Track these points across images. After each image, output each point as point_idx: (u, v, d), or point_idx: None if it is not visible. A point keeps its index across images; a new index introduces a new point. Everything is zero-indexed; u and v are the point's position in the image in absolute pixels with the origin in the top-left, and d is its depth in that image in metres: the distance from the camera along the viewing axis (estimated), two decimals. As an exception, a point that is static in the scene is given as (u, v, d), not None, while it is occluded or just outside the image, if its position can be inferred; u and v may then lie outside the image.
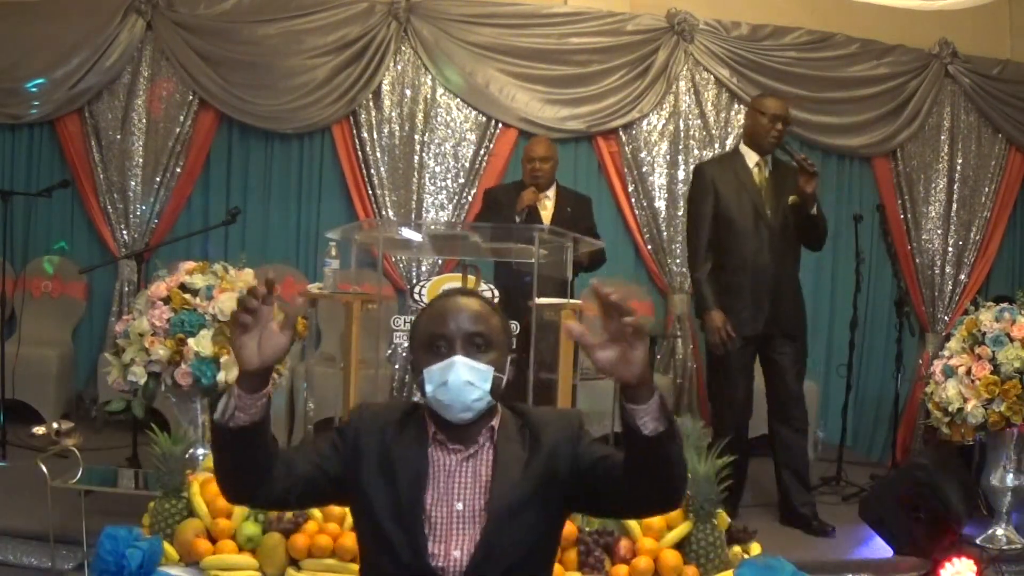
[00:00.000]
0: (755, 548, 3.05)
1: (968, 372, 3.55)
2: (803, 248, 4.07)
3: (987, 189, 5.69)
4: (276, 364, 1.54)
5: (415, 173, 5.33)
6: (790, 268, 3.99)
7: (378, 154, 5.31)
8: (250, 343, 1.49)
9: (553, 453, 1.64)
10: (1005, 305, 3.62)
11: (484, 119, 5.37)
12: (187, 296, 3.31)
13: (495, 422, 1.68)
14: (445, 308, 1.65)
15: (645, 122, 5.44)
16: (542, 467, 1.63)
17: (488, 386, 1.61)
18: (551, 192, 4.37)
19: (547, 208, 4.32)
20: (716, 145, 5.46)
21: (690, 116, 5.46)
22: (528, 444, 1.66)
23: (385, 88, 5.32)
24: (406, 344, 4.93)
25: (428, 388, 1.61)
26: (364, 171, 5.31)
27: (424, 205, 5.33)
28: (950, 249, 5.66)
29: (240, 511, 2.78)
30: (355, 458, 1.65)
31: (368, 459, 1.64)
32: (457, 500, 1.62)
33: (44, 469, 2.88)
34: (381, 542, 1.62)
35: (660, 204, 5.44)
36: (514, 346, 1.74)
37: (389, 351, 5.22)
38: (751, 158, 3.99)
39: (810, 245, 4.08)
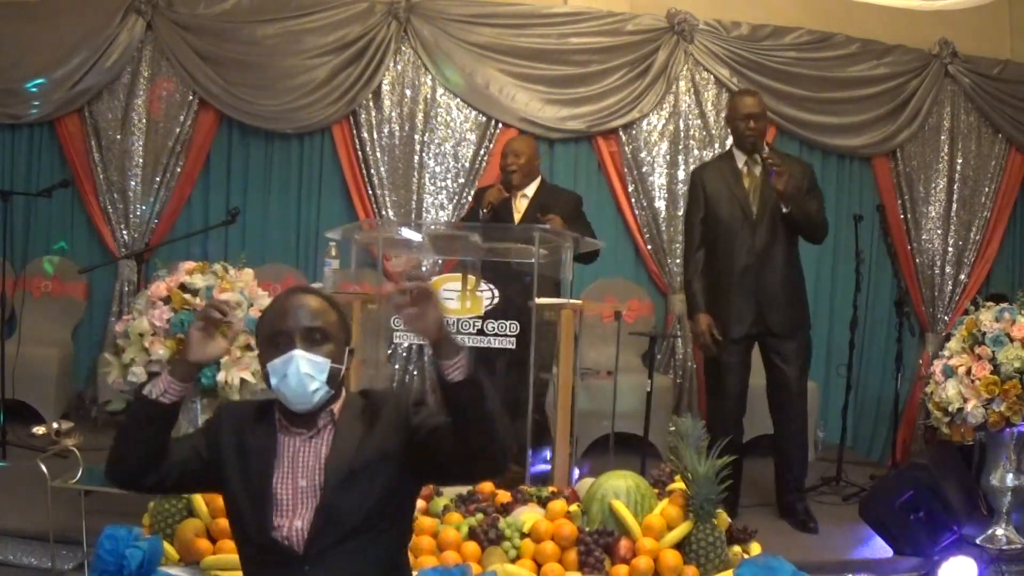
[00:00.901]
0: (755, 548, 3.05)
1: (968, 372, 3.55)
2: (803, 246, 4.08)
3: (987, 189, 5.69)
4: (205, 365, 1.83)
5: (415, 173, 5.33)
6: (781, 267, 3.97)
7: (378, 154, 5.31)
8: (204, 339, 1.78)
9: (388, 426, 1.80)
10: (1005, 305, 3.61)
11: (484, 119, 5.37)
12: (187, 296, 3.30)
13: (336, 406, 1.84)
14: (285, 305, 1.81)
15: (645, 122, 5.44)
16: (378, 438, 1.79)
17: (325, 377, 1.77)
18: (531, 189, 4.30)
19: (519, 209, 4.27)
20: (716, 145, 5.46)
21: (690, 116, 5.46)
22: (367, 422, 1.82)
23: (385, 88, 5.32)
24: (406, 344, 4.97)
25: (272, 381, 1.77)
26: (364, 171, 5.31)
27: (424, 205, 5.33)
28: (950, 249, 5.66)
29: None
30: (216, 451, 1.83)
31: (227, 451, 1.82)
32: (301, 478, 1.78)
33: (44, 469, 2.88)
34: (237, 523, 1.81)
35: (660, 204, 5.44)
36: (351, 339, 1.88)
37: (389, 351, 5.23)
38: (740, 159, 4.04)
39: (807, 239, 4.10)
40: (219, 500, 2.77)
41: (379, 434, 1.79)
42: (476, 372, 1.66)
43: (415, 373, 5.33)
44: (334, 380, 1.79)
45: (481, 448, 1.69)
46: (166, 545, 2.73)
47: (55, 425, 4.43)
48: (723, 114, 5.44)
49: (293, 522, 1.74)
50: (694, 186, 4.12)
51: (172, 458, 1.80)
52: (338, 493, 1.74)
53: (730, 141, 5.37)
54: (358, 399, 1.88)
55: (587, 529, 2.86)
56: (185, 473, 1.82)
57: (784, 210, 3.90)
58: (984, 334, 3.54)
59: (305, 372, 1.74)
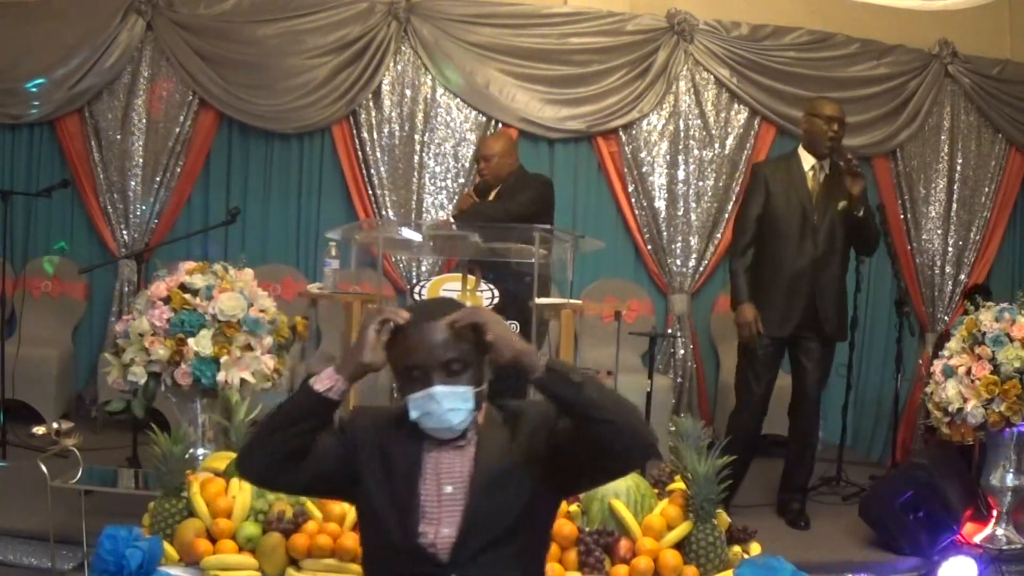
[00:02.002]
0: (755, 548, 3.05)
1: (968, 372, 3.55)
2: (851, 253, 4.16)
3: (987, 189, 5.69)
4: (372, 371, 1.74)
5: (415, 173, 5.33)
6: (834, 273, 4.03)
7: (378, 154, 5.31)
8: (378, 343, 1.71)
9: (532, 435, 1.77)
10: (1005, 305, 3.61)
11: (484, 119, 5.37)
12: (187, 296, 3.30)
13: (479, 414, 1.79)
14: (416, 339, 1.71)
15: (645, 122, 5.44)
16: (523, 448, 1.76)
17: (471, 405, 1.72)
18: (505, 185, 4.33)
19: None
20: (716, 145, 5.46)
21: (690, 116, 5.46)
22: (511, 428, 1.79)
23: (385, 88, 5.32)
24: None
25: (413, 414, 1.71)
26: (364, 171, 5.31)
27: (424, 205, 5.33)
28: (950, 249, 5.66)
29: (240, 511, 2.78)
30: (354, 455, 1.77)
31: (366, 457, 1.77)
32: (447, 484, 1.74)
33: (44, 469, 2.88)
34: (379, 531, 1.75)
35: (660, 204, 5.44)
36: (486, 350, 1.76)
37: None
38: (807, 161, 4.04)
39: (861, 250, 4.18)
40: (220, 501, 2.78)
41: (524, 440, 1.76)
42: (559, 362, 1.66)
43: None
44: (477, 402, 1.75)
45: (619, 435, 1.66)
46: (166, 545, 2.73)
47: (55, 425, 4.40)
48: (723, 114, 5.48)
49: (440, 529, 1.71)
50: (756, 180, 4.07)
51: (307, 459, 1.74)
52: (485, 498, 1.71)
53: (730, 141, 5.46)
54: (496, 409, 1.83)
55: (587, 529, 2.86)
56: (319, 477, 1.76)
57: (859, 214, 3.93)
58: (984, 334, 3.54)
59: (448, 408, 1.69)
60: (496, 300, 3.68)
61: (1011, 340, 3.49)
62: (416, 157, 5.32)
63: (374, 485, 1.75)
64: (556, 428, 1.75)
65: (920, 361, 5.50)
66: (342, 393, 1.71)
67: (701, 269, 5.45)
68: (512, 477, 1.73)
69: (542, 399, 1.74)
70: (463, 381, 1.71)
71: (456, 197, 5.32)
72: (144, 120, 5.21)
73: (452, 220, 4.27)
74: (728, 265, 4.15)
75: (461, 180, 5.34)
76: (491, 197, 4.32)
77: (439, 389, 1.69)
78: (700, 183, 5.45)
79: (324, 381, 1.70)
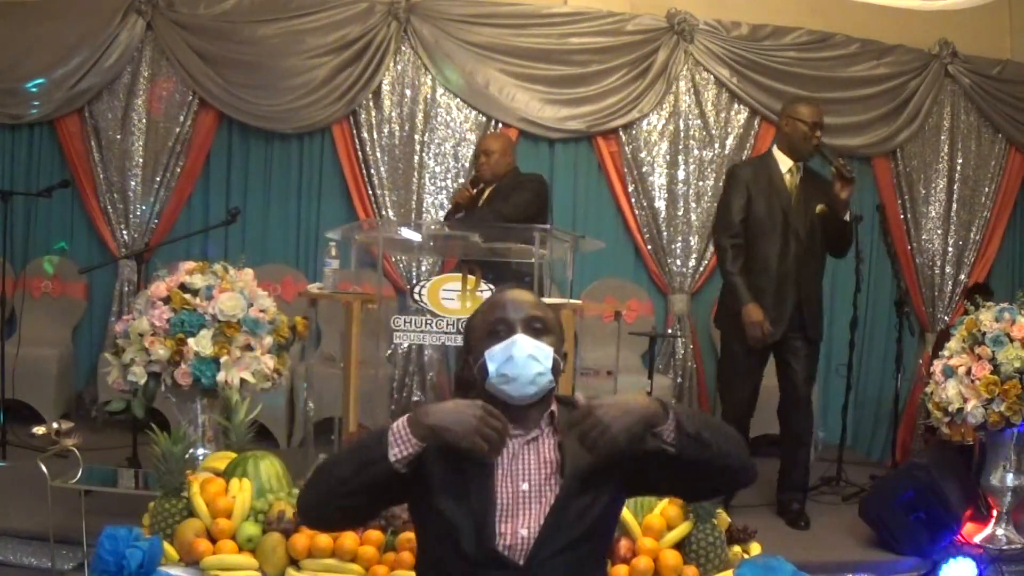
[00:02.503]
0: (755, 548, 3.05)
1: (968, 372, 3.55)
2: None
3: (987, 189, 5.69)
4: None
5: (415, 173, 5.33)
6: (814, 274, 4.05)
7: (378, 154, 5.31)
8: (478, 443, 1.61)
9: None
10: (1005, 305, 3.61)
11: (484, 119, 5.37)
12: (187, 296, 3.30)
13: (554, 407, 1.77)
14: (503, 297, 1.78)
15: (645, 122, 5.44)
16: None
17: (550, 364, 1.71)
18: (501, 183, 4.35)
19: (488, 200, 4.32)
20: (716, 145, 5.46)
21: (690, 116, 5.46)
22: None
23: (385, 88, 5.32)
24: (407, 345, 4.97)
25: (491, 368, 1.69)
26: (364, 171, 5.31)
27: (424, 205, 5.33)
28: (950, 249, 5.67)
29: (240, 511, 2.78)
30: (419, 466, 1.68)
31: (432, 463, 1.68)
32: (523, 481, 1.69)
33: (44, 469, 2.87)
34: (445, 535, 1.67)
35: (660, 204, 5.44)
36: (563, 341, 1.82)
37: (389, 351, 5.23)
38: (784, 163, 4.02)
39: (835, 252, 4.15)
40: (220, 501, 2.78)
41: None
42: (689, 426, 1.60)
43: (415, 374, 5.34)
44: (555, 372, 1.73)
45: (720, 479, 1.68)
46: (166, 545, 2.72)
47: (55, 425, 4.40)
48: (723, 114, 5.48)
49: (517, 529, 1.65)
50: (737, 182, 4.00)
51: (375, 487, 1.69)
52: (568, 503, 1.67)
53: (730, 141, 5.45)
54: (561, 407, 1.79)
55: (587, 529, 2.86)
56: (379, 499, 1.73)
57: (846, 219, 3.98)
58: (984, 334, 3.54)
59: (530, 354, 1.68)
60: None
61: (1011, 340, 3.48)
62: (416, 157, 5.32)
63: (445, 490, 1.67)
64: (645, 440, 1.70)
65: (920, 361, 5.51)
66: (413, 457, 1.63)
67: (701, 269, 5.45)
68: (596, 476, 1.69)
69: (614, 396, 1.70)
70: (545, 341, 1.72)
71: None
72: (144, 120, 5.22)
73: (444, 222, 4.28)
74: (723, 275, 4.04)
75: (461, 180, 5.33)
76: (486, 194, 4.32)
77: (522, 336, 1.70)
78: (700, 183, 5.45)
79: (402, 448, 1.62)
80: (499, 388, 1.71)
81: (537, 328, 1.73)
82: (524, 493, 1.68)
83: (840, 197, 3.90)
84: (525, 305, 1.75)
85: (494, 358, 1.70)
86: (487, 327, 1.74)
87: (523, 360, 1.69)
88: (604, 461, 1.68)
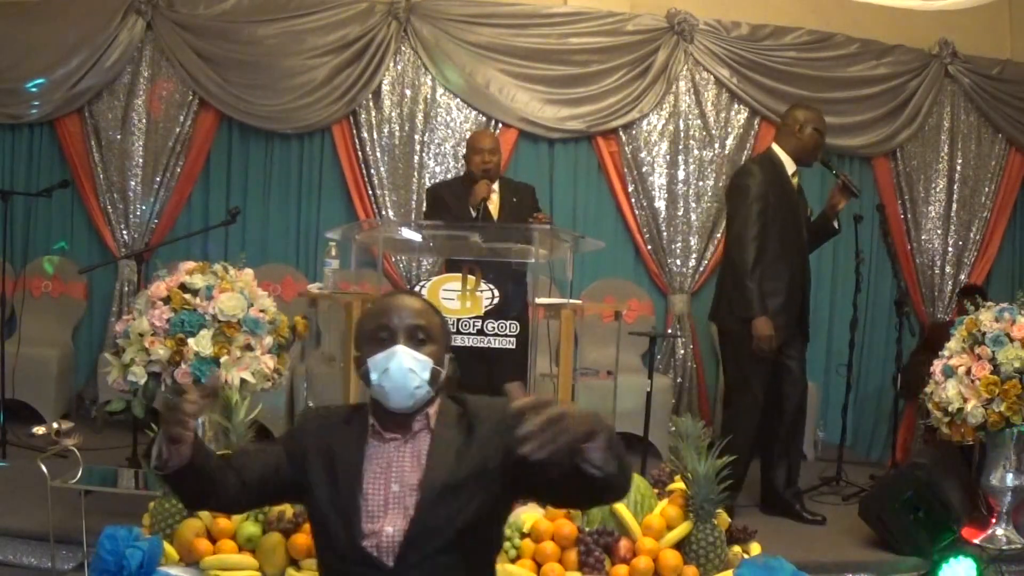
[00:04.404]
0: (755, 548, 3.05)
1: (968, 372, 3.55)
2: None
3: (987, 189, 5.69)
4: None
5: (415, 173, 5.33)
6: (809, 273, 4.15)
7: (378, 154, 5.31)
8: (186, 426, 1.62)
9: (487, 441, 1.74)
10: (1005, 305, 3.61)
11: (484, 119, 5.37)
12: (187, 296, 3.30)
13: (431, 409, 1.79)
14: (389, 303, 1.80)
15: (645, 122, 5.44)
16: (477, 453, 1.73)
17: (427, 376, 1.73)
18: (496, 185, 4.33)
19: (494, 201, 4.28)
20: (716, 145, 5.46)
21: (690, 116, 5.46)
22: (465, 431, 1.77)
23: (385, 88, 5.32)
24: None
25: (373, 376, 1.73)
26: (364, 171, 5.31)
27: (424, 205, 5.31)
28: (950, 249, 5.67)
29: (240, 511, 2.78)
30: (302, 459, 1.77)
31: (313, 458, 1.77)
32: (393, 483, 1.72)
33: (44, 469, 2.88)
34: (323, 531, 1.75)
35: (660, 204, 5.44)
36: (451, 345, 1.85)
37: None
38: (790, 167, 4.04)
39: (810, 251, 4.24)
40: (219, 500, 2.78)
41: (479, 447, 1.74)
42: (616, 447, 1.53)
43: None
44: (434, 382, 1.75)
45: (600, 493, 1.64)
46: (166, 545, 2.73)
47: (55, 425, 4.42)
48: (723, 114, 5.48)
49: (384, 527, 1.69)
50: (754, 183, 3.92)
51: (245, 480, 1.75)
52: (435, 506, 1.69)
53: (730, 141, 5.45)
54: (452, 405, 1.82)
55: (587, 529, 2.86)
56: (264, 489, 1.79)
57: (836, 227, 4.13)
58: (984, 334, 3.54)
59: (408, 368, 1.71)
60: (496, 300, 3.68)
61: (1011, 340, 3.48)
62: (416, 157, 5.32)
63: (319, 486, 1.74)
64: (513, 441, 1.65)
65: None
66: (183, 456, 1.64)
67: (701, 269, 5.45)
68: (465, 485, 1.70)
69: (498, 400, 1.71)
70: (425, 352, 1.74)
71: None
72: (144, 120, 5.22)
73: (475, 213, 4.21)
74: (736, 277, 3.92)
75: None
76: (494, 199, 4.28)
77: (402, 347, 1.72)
78: (700, 183, 5.45)
79: (154, 454, 1.67)
80: (378, 396, 1.75)
81: (420, 338, 1.75)
82: (395, 494, 1.71)
83: (838, 208, 4.03)
84: (409, 313, 1.76)
85: (376, 366, 1.73)
86: (372, 331, 1.77)
87: (401, 373, 1.71)
88: (472, 470, 1.70)
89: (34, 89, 5.13)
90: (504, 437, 1.67)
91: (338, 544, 1.70)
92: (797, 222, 4.02)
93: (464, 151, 5.29)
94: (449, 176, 5.29)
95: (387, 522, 1.69)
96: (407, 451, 1.75)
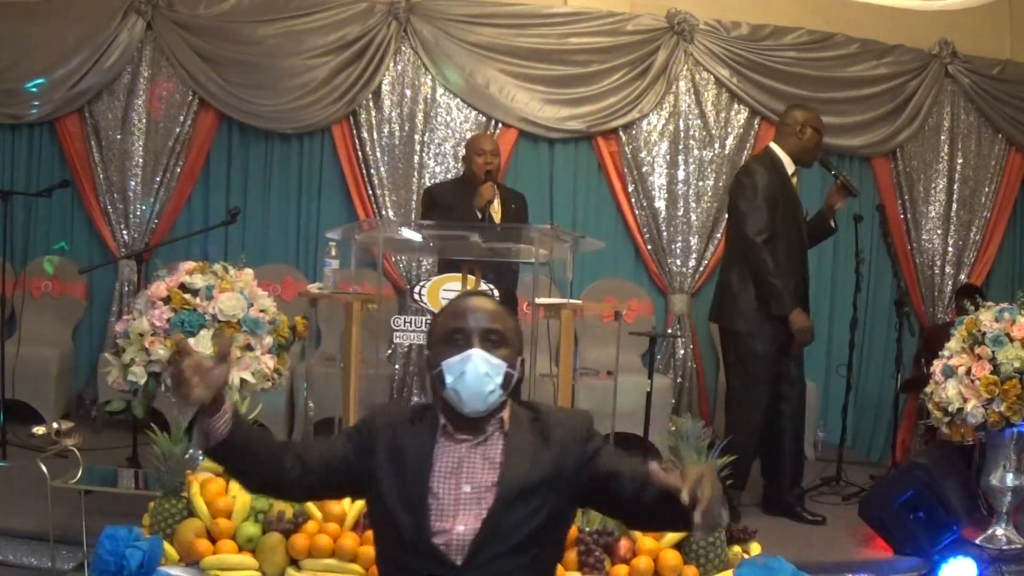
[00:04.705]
0: (755, 548, 3.05)
1: (968, 372, 3.55)
2: None
3: (987, 189, 5.70)
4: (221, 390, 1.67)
5: (415, 173, 5.33)
6: (808, 275, 4.16)
7: (378, 154, 5.31)
8: (195, 387, 1.62)
9: (563, 449, 1.76)
10: (1005, 305, 3.61)
11: (484, 119, 5.37)
12: (187, 296, 3.30)
13: (504, 414, 1.80)
14: (464, 306, 1.80)
15: (645, 122, 5.44)
16: (551, 460, 1.75)
17: (501, 380, 1.74)
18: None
19: (495, 205, 4.28)
20: (716, 145, 5.46)
21: (690, 116, 5.46)
22: (539, 435, 1.78)
23: (385, 88, 5.32)
24: (407, 345, 4.97)
25: (448, 380, 1.73)
26: (364, 171, 5.31)
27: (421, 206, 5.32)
28: (950, 249, 5.67)
29: (240, 511, 2.78)
30: (369, 453, 1.78)
31: (380, 451, 1.77)
32: (465, 483, 1.73)
33: (44, 469, 2.87)
34: (389, 527, 1.74)
35: (660, 204, 5.44)
36: (523, 350, 1.85)
37: (389, 351, 5.23)
38: (790, 167, 4.05)
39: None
40: (220, 501, 2.79)
41: (553, 454, 1.76)
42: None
43: (415, 373, 5.33)
44: (507, 385, 1.76)
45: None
46: (166, 545, 2.73)
47: (55, 425, 4.42)
48: (723, 114, 5.48)
49: (455, 527, 1.70)
50: (759, 183, 3.91)
51: (308, 467, 1.76)
52: (509, 509, 1.70)
53: (730, 141, 5.45)
54: (524, 411, 1.84)
55: (587, 529, 2.86)
56: (330, 479, 1.79)
57: (834, 225, 4.18)
58: (984, 334, 3.54)
59: (483, 372, 1.72)
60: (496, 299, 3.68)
61: (1011, 340, 3.48)
62: (416, 157, 5.32)
63: (387, 481, 1.75)
64: (590, 452, 1.77)
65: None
66: (223, 427, 1.66)
67: (701, 269, 5.45)
68: (538, 490, 1.72)
69: (572, 411, 1.79)
70: (499, 355, 1.74)
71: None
72: (144, 120, 5.21)
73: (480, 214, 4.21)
74: (759, 278, 3.89)
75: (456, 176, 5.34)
76: (496, 202, 4.28)
77: (477, 351, 1.72)
78: (700, 183, 5.45)
79: (196, 437, 1.70)
80: (452, 399, 1.75)
81: (494, 340, 1.76)
82: (466, 494, 1.72)
83: (836, 207, 4.07)
84: (484, 316, 1.77)
85: (451, 370, 1.73)
86: (446, 334, 1.77)
87: (476, 378, 1.72)
88: (545, 476, 1.74)
89: (34, 89, 5.13)
90: (582, 448, 1.77)
91: (406, 540, 1.71)
92: (799, 222, 4.04)
93: (464, 151, 5.33)
94: (450, 176, 5.29)
95: (458, 521, 1.70)
96: (478, 453, 1.76)
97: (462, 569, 1.68)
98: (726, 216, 4.42)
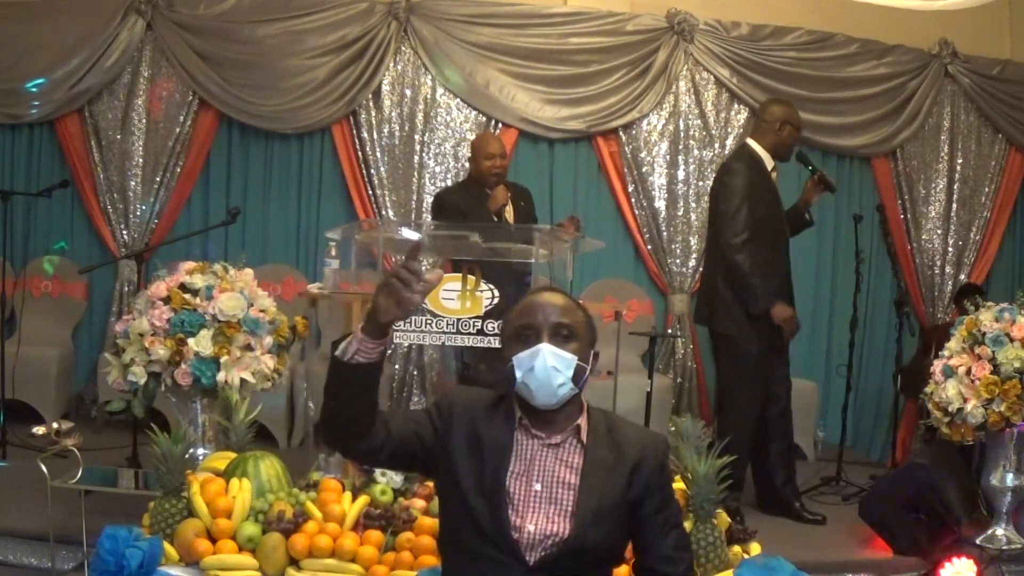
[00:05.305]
0: (755, 548, 3.04)
1: (968, 372, 3.55)
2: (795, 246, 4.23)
3: (987, 189, 5.70)
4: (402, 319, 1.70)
5: (415, 173, 5.33)
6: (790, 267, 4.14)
7: (378, 154, 5.31)
8: (389, 304, 1.65)
9: (637, 468, 1.79)
10: (1005, 305, 3.61)
11: (484, 119, 5.37)
12: (187, 296, 3.30)
13: (582, 420, 1.82)
14: (533, 301, 1.82)
15: (645, 122, 5.44)
16: (625, 477, 1.79)
17: (571, 373, 1.76)
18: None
19: (507, 207, 4.30)
20: (716, 145, 5.46)
21: (690, 116, 5.46)
22: (615, 452, 1.80)
23: (385, 88, 5.32)
24: (406, 345, 4.97)
25: (518, 374, 1.76)
26: (364, 171, 5.31)
27: (424, 205, 5.32)
28: (950, 249, 5.67)
29: (240, 511, 2.78)
30: (446, 432, 1.79)
31: (458, 435, 1.79)
32: (536, 481, 1.75)
33: (44, 469, 2.87)
34: (464, 513, 1.75)
35: (660, 204, 5.44)
36: (596, 343, 1.86)
37: (389, 351, 5.23)
38: (768, 163, 4.05)
39: None
40: (220, 501, 2.78)
41: (629, 469, 1.79)
42: None
43: (415, 373, 5.34)
44: (579, 378, 1.78)
45: None
46: (166, 545, 2.73)
47: (55, 425, 4.42)
48: (723, 114, 5.48)
49: (526, 524, 1.73)
50: (740, 181, 3.92)
51: (390, 430, 1.76)
52: (588, 523, 1.74)
53: (730, 141, 5.45)
54: (601, 418, 1.86)
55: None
56: (402, 449, 1.78)
57: (809, 219, 4.17)
58: (984, 334, 3.53)
59: (552, 365, 1.74)
60: (496, 300, 3.68)
61: (1011, 340, 3.48)
62: (416, 157, 5.32)
63: (464, 467, 1.76)
64: (654, 483, 1.81)
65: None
66: (374, 352, 1.68)
67: (701, 269, 5.45)
68: (614, 507, 1.76)
69: (646, 432, 1.83)
70: (569, 349, 1.76)
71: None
72: (144, 120, 5.22)
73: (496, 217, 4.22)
74: (739, 278, 3.89)
75: (461, 180, 5.33)
76: (507, 204, 4.28)
77: (546, 345, 1.75)
78: (700, 183, 5.45)
79: (351, 345, 1.69)
80: (523, 393, 1.78)
81: (564, 335, 1.78)
82: (536, 493, 1.74)
83: (812, 202, 4.11)
84: (554, 311, 1.79)
85: (520, 365, 1.76)
86: (516, 330, 1.79)
87: (545, 372, 1.74)
88: (618, 499, 1.77)
89: (34, 89, 5.13)
90: (650, 471, 1.80)
91: (483, 525, 1.72)
92: (781, 219, 4.04)
93: (465, 152, 5.33)
94: (449, 177, 5.31)
95: (528, 520, 1.73)
96: (551, 455, 1.78)
97: (531, 568, 1.71)
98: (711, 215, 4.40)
